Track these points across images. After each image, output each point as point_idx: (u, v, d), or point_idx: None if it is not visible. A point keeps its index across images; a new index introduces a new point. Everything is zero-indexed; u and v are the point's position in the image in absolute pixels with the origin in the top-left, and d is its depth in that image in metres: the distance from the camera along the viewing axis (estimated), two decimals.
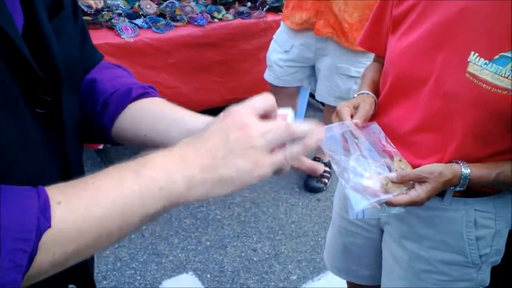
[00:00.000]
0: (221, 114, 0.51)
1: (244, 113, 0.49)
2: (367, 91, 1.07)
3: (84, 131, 0.67)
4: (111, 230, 0.44)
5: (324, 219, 2.35)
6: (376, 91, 1.10)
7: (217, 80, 2.39)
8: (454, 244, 1.01)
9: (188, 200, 0.47)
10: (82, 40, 0.66)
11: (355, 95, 1.08)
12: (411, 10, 0.99)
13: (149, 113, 0.65)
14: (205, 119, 0.61)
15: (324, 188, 2.50)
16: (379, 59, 1.17)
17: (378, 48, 1.14)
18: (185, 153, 0.48)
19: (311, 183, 2.47)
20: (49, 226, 0.40)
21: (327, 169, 2.54)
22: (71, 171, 0.59)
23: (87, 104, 0.66)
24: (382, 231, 1.17)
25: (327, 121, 2.41)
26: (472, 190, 0.96)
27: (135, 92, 0.66)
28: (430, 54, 0.94)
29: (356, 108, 1.02)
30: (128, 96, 0.65)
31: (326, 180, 2.52)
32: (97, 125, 0.66)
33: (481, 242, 1.00)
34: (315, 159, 2.54)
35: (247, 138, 0.48)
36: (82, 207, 0.43)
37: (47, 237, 0.40)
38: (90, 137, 0.69)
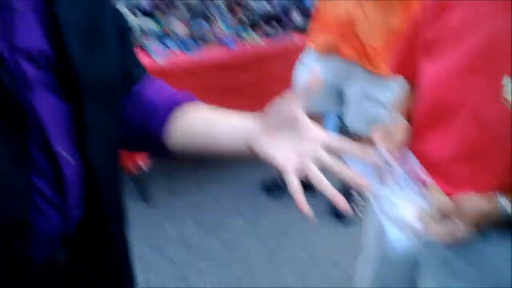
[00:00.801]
0: None
1: None
2: (399, 117, 1.06)
3: (135, 141, 0.71)
4: None
5: (355, 248, 2.29)
6: (408, 117, 1.08)
7: (245, 101, 2.39)
8: (497, 281, 0.97)
9: None
10: (127, 56, 0.70)
11: (388, 121, 1.07)
12: (444, 35, 0.97)
13: (197, 116, 0.68)
14: (253, 120, 0.63)
15: (355, 217, 2.45)
16: (410, 84, 1.15)
17: (408, 73, 1.13)
18: None
19: (341, 211, 2.42)
20: None
21: (358, 197, 2.49)
22: (101, 182, 0.62)
23: (137, 113, 0.69)
24: (418, 265, 1.13)
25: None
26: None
27: (181, 99, 0.70)
28: (465, 79, 0.92)
29: (389, 134, 1.00)
30: (175, 103, 0.69)
31: (357, 208, 2.47)
32: (148, 133, 0.69)
33: None
34: (346, 187, 2.49)
35: None
36: None
37: None
38: (142, 147, 0.74)
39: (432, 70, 0.99)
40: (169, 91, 0.72)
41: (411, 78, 1.11)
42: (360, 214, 2.36)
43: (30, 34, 0.53)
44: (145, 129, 0.69)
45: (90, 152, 0.60)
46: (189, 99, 0.71)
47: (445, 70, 0.96)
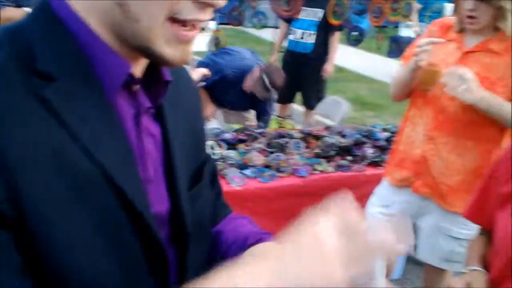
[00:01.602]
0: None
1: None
2: (478, 268, 1.06)
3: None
4: None
5: None
6: (485, 265, 1.08)
7: None
8: None
9: None
10: (216, 199, 0.78)
11: (465, 270, 1.08)
12: None
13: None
14: None
15: None
16: (485, 232, 1.17)
17: (483, 222, 1.16)
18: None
19: None
20: None
21: None
22: None
23: (212, 253, 0.75)
24: None
25: (427, 279, 2.29)
26: None
27: (250, 240, 0.73)
28: None
29: (468, 285, 1.01)
30: (244, 245, 0.73)
31: None
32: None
33: None
34: None
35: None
36: None
37: None
38: None
39: (508, 223, 1.01)
40: (244, 232, 0.76)
41: (486, 227, 1.14)
42: None
43: (160, 199, 0.62)
44: (216, 264, 0.76)
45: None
46: (259, 238, 0.74)
47: None
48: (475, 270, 1.06)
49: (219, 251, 0.75)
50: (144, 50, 0.54)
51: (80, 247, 0.50)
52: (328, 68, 4.39)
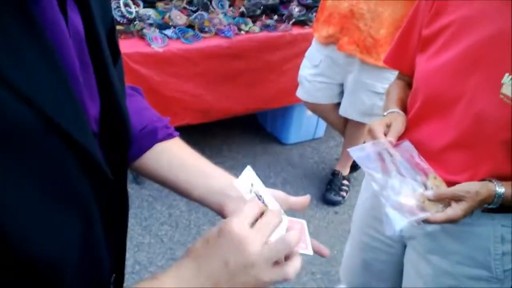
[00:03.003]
0: (216, 231, 0.53)
1: (238, 227, 0.51)
2: (397, 110, 1.10)
3: None
4: None
5: (341, 232, 2.35)
6: (403, 108, 1.12)
7: (241, 90, 2.44)
8: (481, 259, 1.03)
9: None
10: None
11: (385, 114, 1.11)
12: (442, 31, 1.01)
13: (172, 159, 0.68)
14: (223, 180, 0.67)
15: (342, 202, 2.52)
16: (404, 77, 1.19)
17: (403, 66, 1.17)
18: (184, 281, 0.51)
19: (329, 195, 2.49)
20: None
21: (346, 182, 2.56)
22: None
23: None
24: (404, 246, 1.19)
25: (348, 134, 2.44)
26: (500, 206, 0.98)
27: (161, 134, 0.69)
28: (463, 74, 0.96)
29: (388, 126, 1.04)
30: (154, 138, 0.68)
31: (344, 194, 2.53)
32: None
33: (506, 257, 1.02)
34: (335, 172, 2.56)
35: (246, 257, 0.50)
36: None
37: None
38: None
39: (429, 65, 1.03)
40: (150, 119, 0.70)
41: (406, 71, 1.16)
42: (347, 199, 2.43)
43: (93, 99, 0.51)
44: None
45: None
46: (169, 133, 0.69)
47: (443, 65, 0.99)
48: (393, 112, 1.09)
49: None
50: None
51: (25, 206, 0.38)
52: None
